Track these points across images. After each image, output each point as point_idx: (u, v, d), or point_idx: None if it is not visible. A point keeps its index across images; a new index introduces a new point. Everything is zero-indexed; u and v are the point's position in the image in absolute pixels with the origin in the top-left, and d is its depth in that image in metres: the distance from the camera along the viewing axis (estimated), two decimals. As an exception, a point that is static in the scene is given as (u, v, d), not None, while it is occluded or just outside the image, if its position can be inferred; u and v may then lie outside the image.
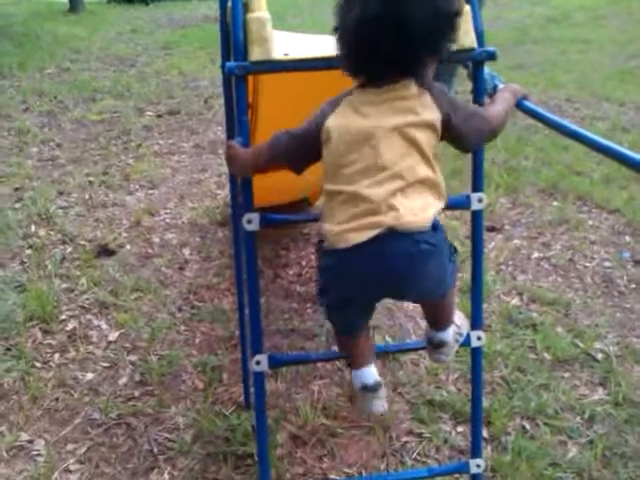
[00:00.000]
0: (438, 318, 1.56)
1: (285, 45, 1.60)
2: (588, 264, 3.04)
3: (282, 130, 1.44)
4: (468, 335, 1.65)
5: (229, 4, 1.57)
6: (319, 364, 2.31)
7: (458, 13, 1.29)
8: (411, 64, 1.30)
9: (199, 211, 3.59)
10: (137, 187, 3.93)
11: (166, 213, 3.58)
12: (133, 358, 2.37)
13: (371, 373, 1.55)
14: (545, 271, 2.98)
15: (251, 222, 1.55)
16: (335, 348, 2.37)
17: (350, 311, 1.46)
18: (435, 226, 1.27)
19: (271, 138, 1.44)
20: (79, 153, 4.50)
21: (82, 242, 3.21)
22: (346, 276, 1.33)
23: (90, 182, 3.98)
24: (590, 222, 3.46)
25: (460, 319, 1.62)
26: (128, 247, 3.17)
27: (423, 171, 1.28)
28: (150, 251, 3.15)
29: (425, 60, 1.32)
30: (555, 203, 3.69)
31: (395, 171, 1.26)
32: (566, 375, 2.30)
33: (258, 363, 1.60)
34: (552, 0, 13.50)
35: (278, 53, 1.46)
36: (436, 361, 1.69)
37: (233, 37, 1.46)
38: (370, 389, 1.53)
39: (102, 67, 7.34)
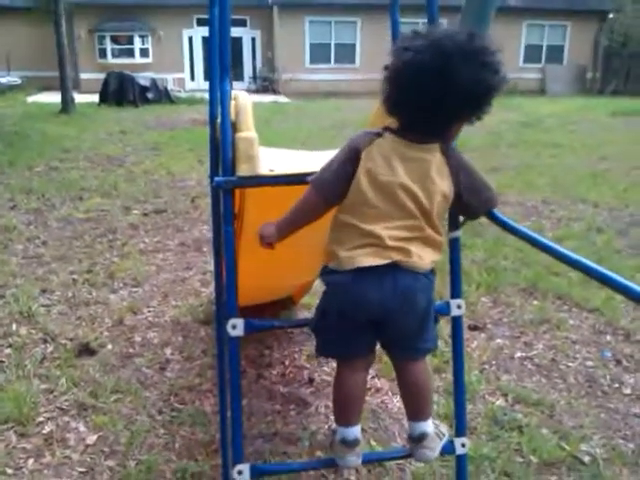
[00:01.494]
0: (418, 403, 1.63)
1: (270, 161, 1.70)
2: (571, 364, 3.05)
3: (314, 179, 1.54)
4: (452, 442, 1.65)
5: (218, 120, 1.67)
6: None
7: (498, 89, 1.42)
8: (442, 120, 1.44)
9: (182, 309, 3.59)
10: (121, 285, 3.94)
11: (149, 311, 3.57)
12: (111, 463, 2.29)
13: (354, 432, 1.63)
14: (528, 371, 2.98)
15: (236, 327, 1.57)
16: (320, 453, 2.33)
17: (350, 329, 1.55)
18: (431, 271, 1.51)
19: (315, 180, 1.53)
20: (64, 251, 4.53)
21: (63, 341, 3.17)
22: (350, 293, 1.47)
23: (74, 280, 3.99)
24: (571, 321, 3.51)
25: (442, 425, 1.66)
26: (109, 346, 3.14)
27: (429, 231, 1.49)
28: (131, 350, 3.11)
29: (454, 122, 1.47)
30: (535, 302, 3.75)
31: (407, 224, 1.46)
32: (553, 479, 2.25)
33: (240, 473, 1.57)
34: (524, 107, 14.26)
35: (264, 169, 1.56)
36: (421, 459, 1.69)
37: (222, 155, 1.56)
38: (349, 445, 1.62)
39: (90, 166, 7.52)
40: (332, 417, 2.55)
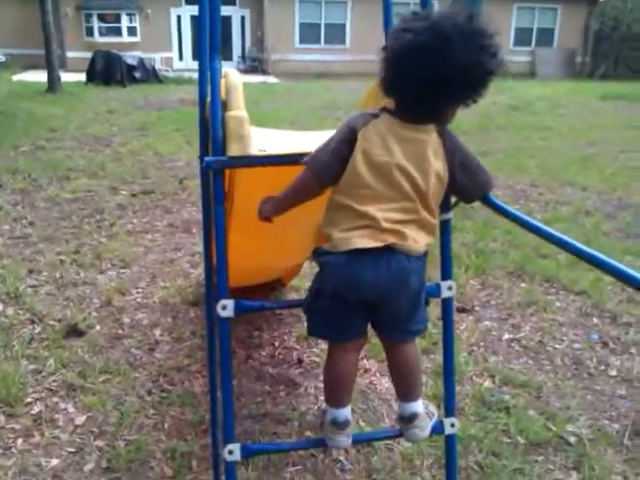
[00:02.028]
0: (408, 383, 1.65)
1: (261, 141, 1.68)
2: (558, 346, 3.08)
3: (309, 159, 1.53)
4: (441, 422, 1.66)
5: (208, 99, 1.65)
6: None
7: (495, 72, 1.43)
8: (439, 102, 1.44)
9: (171, 290, 3.58)
10: (109, 266, 3.91)
11: (137, 292, 3.56)
12: (100, 443, 2.29)
13: (344, 413, 1.63)
14: (516, 353, 3.01)
15: (226, 308, 1.56)
16: (309, 433, 2.35)
17: (343, 310, 1.55)
18: (424, 254, 1.52)
19: (309, 161, 1.52)
20: (51, 231, 4.49)
21: (51, 322, 3.15)
22: (344, 274, 1.47)
23: (61, 261, 3.96)
24: (558, 304, 3.54)
25: (431, 405, 1.67)
26: (98, 327, 3.13)
27: (424, 214, 1.49)
28: (120, 332, 3.10)
29: (451, 104, 1.47)
30: (523, 285, 3.77)
31: (402, 206, 1.46)
32: (540, 459, 2.28)
33: (230, 452, 1.58)
34: (514, 89, 14.24)
35: (254, 149, 1.54)
36: (411, 439, 1.70)
37: (212, 134, 1.54)
38: (339, 426, 1.62)
39: (77, 146, 7.44)
40: (321, 398, 2.56)
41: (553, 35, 23.70)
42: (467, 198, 1.62)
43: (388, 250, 1.44)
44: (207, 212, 1.93)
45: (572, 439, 2.38)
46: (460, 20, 1.38)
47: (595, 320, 3.36)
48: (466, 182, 1.53)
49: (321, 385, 2.66)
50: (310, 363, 2.86)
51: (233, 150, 1.54)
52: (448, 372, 1.73)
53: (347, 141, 1.48)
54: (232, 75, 1.63)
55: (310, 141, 1.95)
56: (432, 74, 1.36)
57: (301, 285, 3.57)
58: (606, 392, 2.71)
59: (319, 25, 22.64)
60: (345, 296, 1.50)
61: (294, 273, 3.45)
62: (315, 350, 2.96)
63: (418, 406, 1.63)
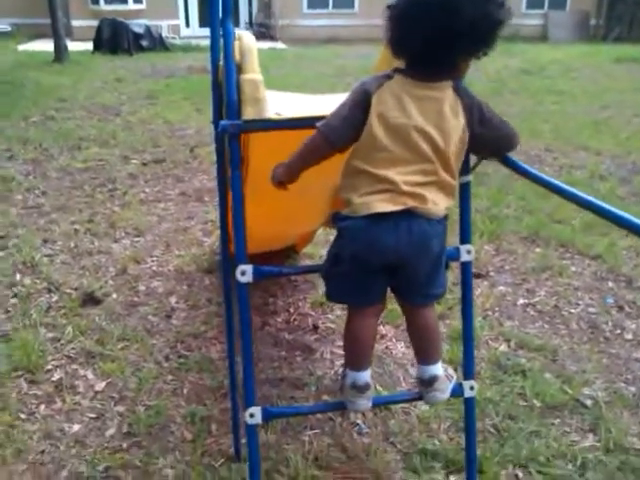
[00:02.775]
0: (428, 346, 1.65)
1: (277, 104, 1.66)
2: (573, 310, 3.08)
3: (322, 123, 1.49)
4: (460, 385, 1.66)
5: (220, 62, 1.62)
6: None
7: (503, 22, 1.39)
8: (449, 54, 1.41)
9: (186, 259, 3.59)
10: (123, 235, 3.93)
11: (152, 261, 3.57)
12: (120, 409, 2.33)
13: (364, 376, 1.62)
14: (531, 317, 3.01)
15: (245, 274, 1.56)
16: (326, 397, 2.37)
17: (363, 275, 1.54)
18: (445, 217, 1.50)
19: (321, 125, 1.49)
20: (64, 201, 4.50)
21: (68, 290, 3.18)
22: (364, 238, 1.46)
23: (75, 230, 3.97)
24: (573, 268, 3.52)
25: (449, 368, 1.68)
26: (114, 295, 3.15)
27: (443, 175, 1.46)
28: (136, 299, 3.13)
29: (461, 57, 1.44)
30: (538, 250, 3.75)
31: (422, 168, 1.43)
32: (556, 422, 2.30)
33: (252, 416, 1.59)
34: (526, 53, 13.99)
35: (270, 112, 1.52)
36: (431, 401, 1.70)
37: (227, 97, 1.51)
38: (359, 389, 1.62)
39: (87, 116, 7.40)
40: (337, 363, 2.59)
41: (566, -3, 23.16)
42: (490, 155, 1.59)
43: (408, 213, 1.43)
44: (222, 178, 1.92)
45: (588, 402, 2.39)
46: None
47: (610, 284, 3.35)
48: (488, 138, 1.50)
49: (337, 350, 2.68)
50: (325, 329, 2.87)
51: (249, 114, 1.52)
52: (467, 336, 1.73)
53: (360, 105, 1.45)
54: (246, 38, 1.59)
55: (326, 104, 1.92)
56: (439, 28, 1.34)
57: (315, 252, 3.57)
58: (622, 355, 2.71)
59: (327, -11, 22.22)
60: (366, 260, 1.49)
61: (308, 240, 3.44)
62: (330, 316, 2.97)
63: (437, 369, 1.64)
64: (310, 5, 22.33)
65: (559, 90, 9.48)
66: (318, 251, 3.59)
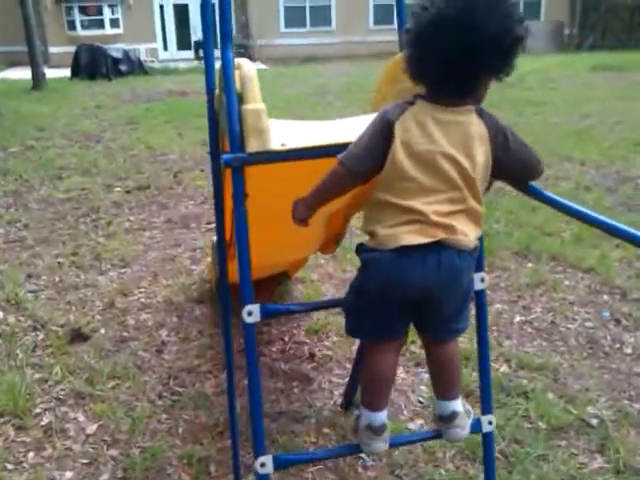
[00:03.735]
0: (450, 382, 1.58)
1: (281, 134, 1.59)
2: (570, 325, 3.04)
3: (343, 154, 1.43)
4: (478, 420, 1.61)
5: (217, 91, 1.56)
6: (311, 448, 2.21)
7: (523, 38, 1.36)
8: (472, 75, 1.37)
9: (174, 288, 3.51)
10: (109, 266, 3.84)
11: (140, 292, 3.49)
12: (114, 452, 2.24)
13: (381, 417, 1.55)
14: (529, 335, 2.97)
15: (252, 314, 1.50)
16: (327, 430, 2.30)
17: (387, 309, 1.47)
18: (475, 249, 1.44)
19: (343, 156, 1.43)
20: (47, 233, 4.41)
21: (54, 327, 3.08)
22: (390, 272, 1.39)
23: (59, 263, 3.88)
24: (566, 282, 3.49)
25: (467, 404, 1.62)
26: (102, 331, 3.06)
27: (472, 202, 1.40)
28: (125, 334, 3.04)
29: (483, 77, 1.40)
30: (530, 265, 3.72)
31: (449, 197, 1.37)
32: (563, 444, 2.24)
33: (263, 465, 1.51)
34: (504, 65, 14.11)
35: (275, 143, 1.46)
36: (453, 438, 1.63)
37: (229, 129, 1.44)
38: (375, 431, 1.54)
39: (67, 144, 7.32)
40: (336, 392, 2.52)
41: (540, 7, 23.51)
42: (511, 182, 1.55)
43: (438, 246, 1.36)
44: (219, 208, 1.87)
45: (593, 421, 2.35)
46: None
47: (605, 297, 3.32)
48: (511, 164, 1.44)
49: (335, 379, 2.62)
50: (322, 357, 2.81)
51: (252, 146, 1.45)
52: (484, 368, 1.67)
53: (382, 134, 1.39)
54: (246, 66, 1.53)
55: (329, 131, 1.87)
56: (460, 46, 1.29)
57: (306, 276, 3.51)
58: (623, 370, 2.68)
59: (304, 8, 22.38)
60: (392, 296, 1.43)
61: (300, 266, 3.39)
62: (327, 343, 2.90)
63: (458, 405, 1.57)
64: (287, 24, 22.48)
65: (539, 101, 9.56)
66: (309, 275, 3.53)
